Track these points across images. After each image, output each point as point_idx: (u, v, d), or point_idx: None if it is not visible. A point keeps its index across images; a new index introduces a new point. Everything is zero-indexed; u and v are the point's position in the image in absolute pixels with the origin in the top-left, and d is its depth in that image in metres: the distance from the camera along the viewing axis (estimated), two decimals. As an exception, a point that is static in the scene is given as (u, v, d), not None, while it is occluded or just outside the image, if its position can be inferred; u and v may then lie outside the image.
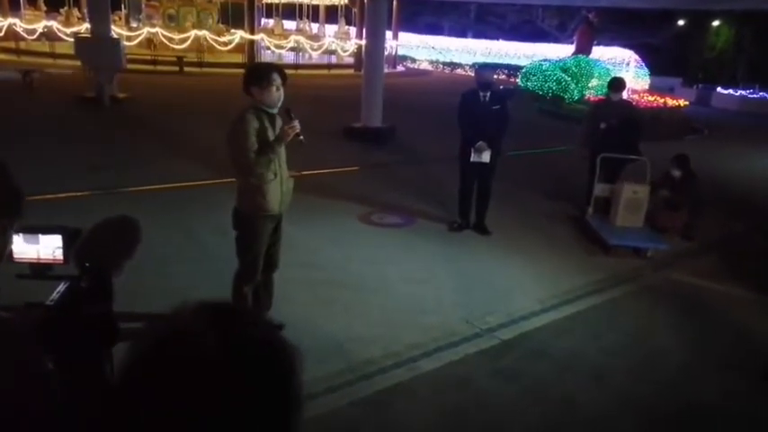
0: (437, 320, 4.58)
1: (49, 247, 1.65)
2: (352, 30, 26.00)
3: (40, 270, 1.67)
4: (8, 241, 1.27)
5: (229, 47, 22.52)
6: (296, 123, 3.67)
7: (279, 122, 3.79)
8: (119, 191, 7.10)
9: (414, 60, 30.33)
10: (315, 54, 25.34)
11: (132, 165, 8.37)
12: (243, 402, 0.72)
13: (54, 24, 22.12)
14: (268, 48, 23.93)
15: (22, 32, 21.93)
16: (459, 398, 3.68)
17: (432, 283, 5.28)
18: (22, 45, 21.42)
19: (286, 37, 25.18)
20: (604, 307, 5.08)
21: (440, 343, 4.25)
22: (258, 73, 3.70)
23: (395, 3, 24.34)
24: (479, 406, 3.62)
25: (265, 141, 3.67)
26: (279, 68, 3.75)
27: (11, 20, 22.06)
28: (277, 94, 3.66)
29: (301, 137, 3.69)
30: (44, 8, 24.67)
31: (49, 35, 21.69)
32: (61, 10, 24.27)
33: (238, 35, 22.70)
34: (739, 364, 4.32)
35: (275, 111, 3.73)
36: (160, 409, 0.71)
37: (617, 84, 7.53)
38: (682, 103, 17.11)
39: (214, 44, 22.31)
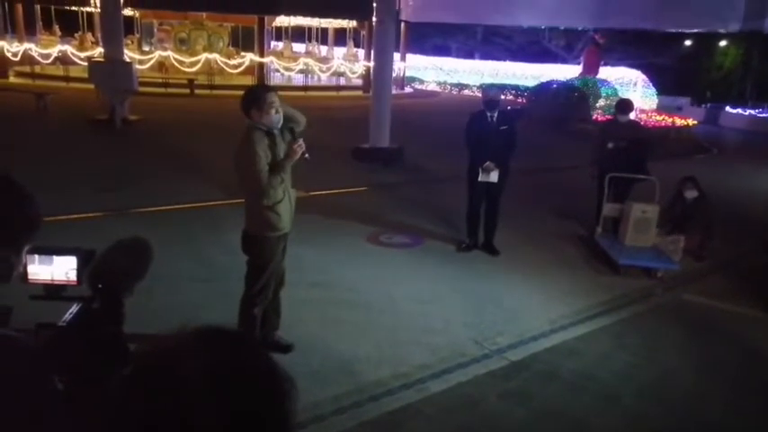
0: (446, 341, 4.56)
1: (62, 269, 1.67)
2: (361, 52, 26.29)
3: (53, 291, 1.70)
4: (21, 262, 1.30)
5: (239, 69, 22.82)
6: (301, 141, 3.71)
7: (280, 141, 3.79)
8: (130, 212, 7.17)
9: (422, 82, 30.58)
10: (324, 76, 25.61)
11: (143, 186, 8.46)
12: (226, 430, 0.72)
13: (68, 49, 22.55)
14: (277, 70, 24.23)
15: (37, 57, 22.35)
16: (468, 420, 3.64)
17: (440, 303, 5.27)
18: (38, 69, 21.82)
19: (295, 59, 25.48)
20: (615, 327, 5.04)
21: (449, 364, 4.22)
22: (255, 95, 3.72)
23: (402, 25, 24.61)
24: (489, 428, 3.58)
25: (274, 161, 3.71)
26: (274, 89, 3.78)
27: (27, 44, 22.51)
28: (276, 116, 3.68)
29: (307, 155, 3.74)
30: (59, 33, 25.16)
31: (63, 59, 22.09)
32: (76, 35, 24.73)
33: (248, 58, 23.02)
34: (751, 384, 4.27)
35: (275, 131, 3.76)
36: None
37: (624, 105, 7.55)
38: (690, 122, 17.12)
39: (224, 67, 22.63)
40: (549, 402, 3.87)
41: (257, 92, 3.79)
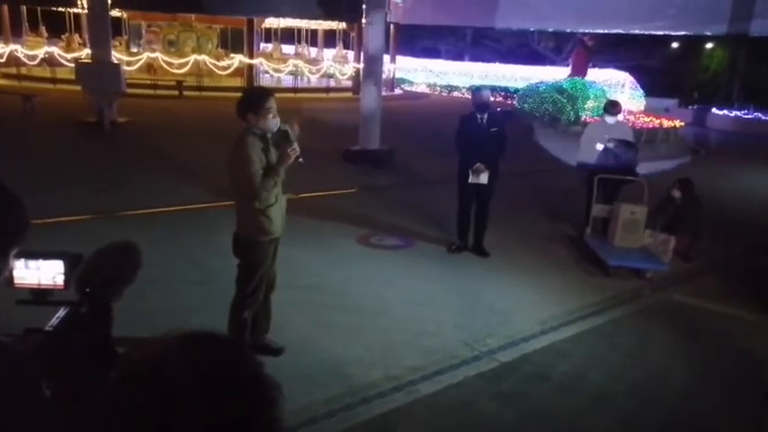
0: (437, 343, 4.55)
1: (49, 273, 1.66)
2: (351, 54, 26.28)
3: (40, 295, 1.68)
4: (8, 266, 1.29)
5: (228, 71, 22.74)
6: (295, 146, 3.68)
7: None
8: (119, 214, 7.11)
9: (411, 83, 30.61)
10: (313, 78, 25.57)
11: (132, 188, 8.40)
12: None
13: (55, 50, 22.35)
14: (267, 72, 24.16)
15: (23, 58, 22.14)
16: (459, 421, 3.64)
17: (431, 305, 5.27)
18: (24, 70, 21.61)
19: (285, 61, 25.42)
20: (605, 328, 5.06)
21: (440, 366, 4.22)
22: (254, 99, 3.66)
23: (392, 27, 24.64)
24: (479, 430, 3.58)
25: (268, 165, 3.67)
26: (273, 93, 3.73)
27: (12, 46, 22.29)
28: (274, 121, 3.64)
29: (301, 159, 3.70)
30: (46, 34, 24.93)
31: (50, 61, 21.88)
32: (63, 36, 24.52)
33: (237, 59, 22.95)
34: (740, 384, 4.30)
35: (269, 135, 3.73)
36: None
37: (612, 106, 7.61)
38: (677, 123, 17.24)
39: (213, 68, 22.53)
40: (539, 404, 3.87)
41: (256, 95, 3.72)
